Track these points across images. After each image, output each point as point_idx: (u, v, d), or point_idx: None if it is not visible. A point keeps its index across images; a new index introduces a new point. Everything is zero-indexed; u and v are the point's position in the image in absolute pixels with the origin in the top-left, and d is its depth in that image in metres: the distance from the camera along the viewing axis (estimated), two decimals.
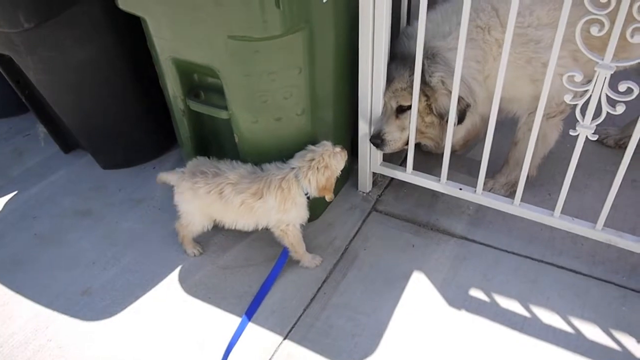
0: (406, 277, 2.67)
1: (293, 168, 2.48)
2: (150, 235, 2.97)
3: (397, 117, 2.80)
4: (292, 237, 2.60)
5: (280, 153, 2.59)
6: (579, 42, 2.08)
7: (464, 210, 3.02)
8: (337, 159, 2.48)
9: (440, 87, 2.63)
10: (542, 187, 3.06)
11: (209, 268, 2.78)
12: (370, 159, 3.00)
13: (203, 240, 2.89)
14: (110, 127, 3.20)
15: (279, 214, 2.51)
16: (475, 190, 2.79)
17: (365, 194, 3.14)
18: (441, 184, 2.86)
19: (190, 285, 2.69)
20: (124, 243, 2.94)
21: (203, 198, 2.52)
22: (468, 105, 2.68)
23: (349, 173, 3.22)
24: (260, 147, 2.60)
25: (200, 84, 2.62)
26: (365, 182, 3.12)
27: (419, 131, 2.80)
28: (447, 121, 2.66)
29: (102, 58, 2.87)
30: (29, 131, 3.80)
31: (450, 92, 2.56)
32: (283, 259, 2.69)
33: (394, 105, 2.76)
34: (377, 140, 2.83)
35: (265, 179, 2.47)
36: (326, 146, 2.49)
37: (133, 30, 2.62)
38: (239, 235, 2.90)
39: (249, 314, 2.51)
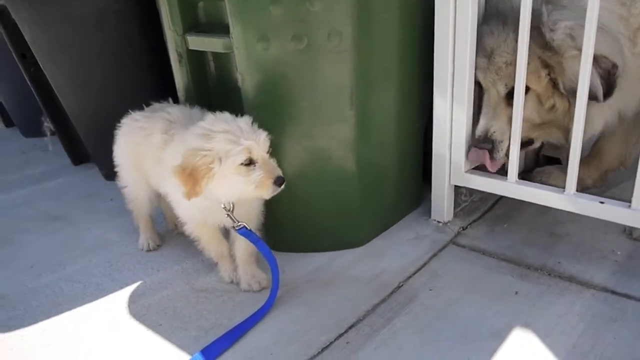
0: (500, 336, 1.47)
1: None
2: (122, 245, 2.09)
3: (508, 104, 1.80)
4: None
5: (305, 107, 1.69)
6: None
7: (607, 255, 1.80)
8: (231, 158, 1.42)
9: (569, 45, 1.64)
10: None
11: (179, 288, 1.78)
12: (450, 165, 1.97)
13: (191, 255, 1.95)
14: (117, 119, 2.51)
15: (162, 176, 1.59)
16: (631, 205, 1.61)
17: (441, 224, 2.06)
18: (566, 197, 1.73)
19: (140, 307, 1.70)
20: (82, 250, 2.07)
21: (133, 135, 1.75)
22: (615, 67, 1.64)
23: (419, 198, 2.18)
24: (273, 93, 1.72)
25: (207, 19, 1.88)
26: (441, 203, 2.04)
27: (535, 126, 1.79)
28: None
29: (110, 15, 2.27)
30: (50, 147, 3.26)
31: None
32: (276, 284, 1.64)
33: (503, 90, 1.79)
34: (486, 144, 1.83)
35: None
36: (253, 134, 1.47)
37: None
38: None
39: (209, 355, 1.43)
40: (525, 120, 1.75)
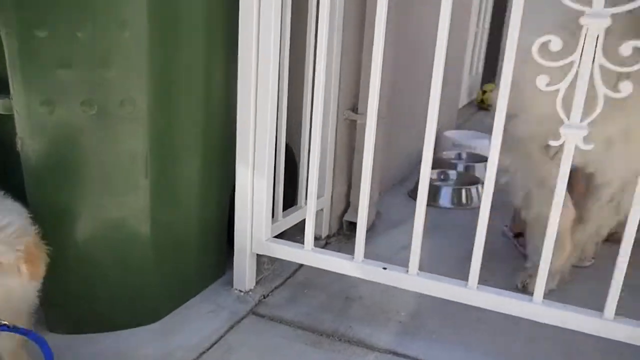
0: None
1: None
2: None
3: None
4: None
5: (94, 176, 1.59)
6: None
7: (392, 317, 1.94)
8: None
9: None
10: None
11: None
12: (251, 234, 1.98)
13: None
14: None
15: None
16: (408, 270, 1.77)
17: (242, 293, 2.03)
18: (355, 264, 1.84)
19: None
20: None
21: None
22: None
23: (224, 266, 2.15)
24: (57, 160, 1.58)
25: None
26: (243, 272, 2.03)
27: None
28: None
29: None
30: None
31: None
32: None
33: None
34: None
35: None
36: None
37: None
38: None
39: None
40: None
